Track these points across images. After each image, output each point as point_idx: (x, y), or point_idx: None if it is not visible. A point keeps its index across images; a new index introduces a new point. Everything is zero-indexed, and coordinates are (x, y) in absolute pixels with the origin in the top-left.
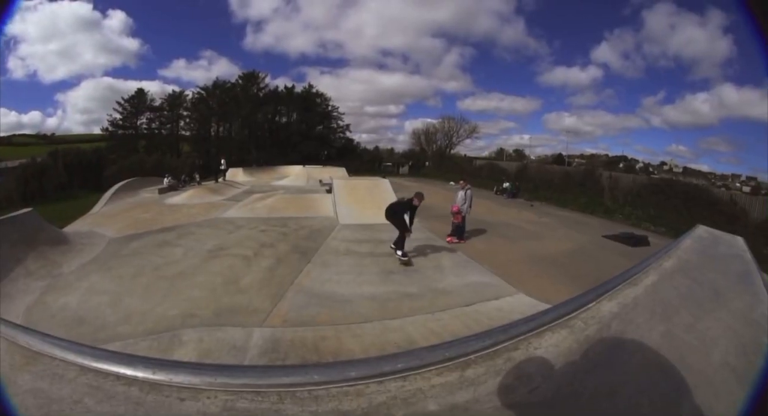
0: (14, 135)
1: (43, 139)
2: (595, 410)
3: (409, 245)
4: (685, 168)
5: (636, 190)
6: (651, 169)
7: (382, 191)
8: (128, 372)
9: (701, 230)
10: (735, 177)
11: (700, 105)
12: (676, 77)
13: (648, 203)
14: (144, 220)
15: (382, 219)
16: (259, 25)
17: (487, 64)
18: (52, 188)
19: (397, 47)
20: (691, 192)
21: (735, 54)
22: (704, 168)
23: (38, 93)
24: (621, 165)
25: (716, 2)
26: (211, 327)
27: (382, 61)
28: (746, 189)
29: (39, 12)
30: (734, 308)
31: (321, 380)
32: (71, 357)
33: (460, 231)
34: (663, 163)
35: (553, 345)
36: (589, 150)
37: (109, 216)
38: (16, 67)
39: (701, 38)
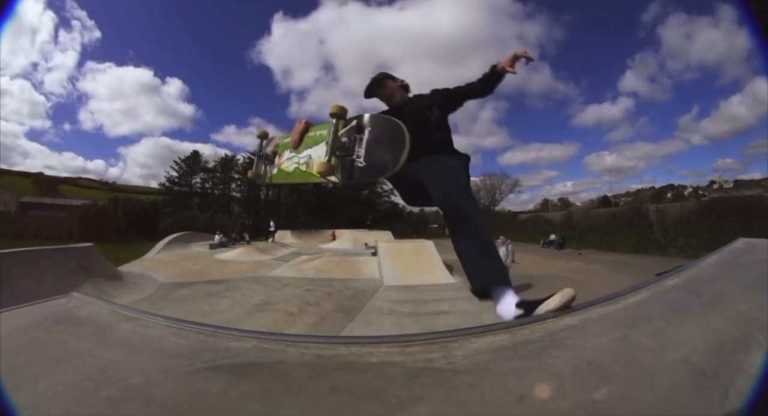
0: (79, 178)
1: (104, 186)
2: (501, 384)
3: (452, 305)
4: (736, 181)
5: (686, 218)
6: (701, 192)
7: (428, 253)
8: (198, 328)
9: (740, 242)
10: None
11: (736, 109)
12: (705, 87)
13: (702, 229)
14: (194, 271)
15: (427, 279)
16: (302, 94)
17: (521, 114)
18: (109, 230)
19: None
20: (744, 205)
21: (755, 44)
22: (757, 175)
23: (103, 144)
24: (669, 194)
25: None
26: None
27: None
28: None
29: (107, 74)
30: (733, 311)
31: (314, 340)
32: (159, 319)
33: None
34: (712, 182)
35: (488, 342)
36: (634, 186)
37: (162, 262)
38: (85, 120)
39: (719, 38)
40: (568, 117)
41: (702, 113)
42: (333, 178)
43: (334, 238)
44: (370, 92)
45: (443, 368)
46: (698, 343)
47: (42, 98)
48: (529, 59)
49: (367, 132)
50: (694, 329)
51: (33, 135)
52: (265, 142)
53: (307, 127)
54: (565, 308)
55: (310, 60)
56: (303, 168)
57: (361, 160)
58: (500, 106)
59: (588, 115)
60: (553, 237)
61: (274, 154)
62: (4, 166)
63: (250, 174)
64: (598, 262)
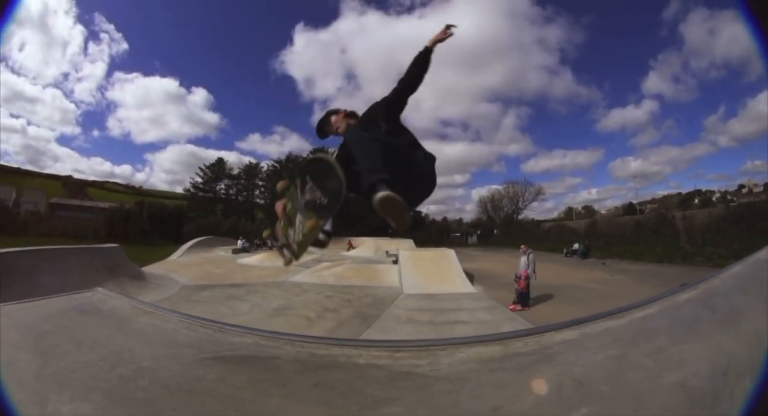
0: (107, 181)
1: (131, 190)
2: (478, 395)
3: (470, 314)
4: (766, 184)
5: (714, 225)
6: (729, 197)
7: (448, 262)
8: (207, 324)
9: (766, 251)
10: None
11: (765, 107)
12: (731, 85)
13: (730, 237)
14: (216, 274)
15: (446, 288)
16: (325, 102)
17: (544, 120)
18: (135, 232)
19: (456, 116)
20: None
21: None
22: None
23: (130, 150)
24: (696, 200)
25: None
26: None
27: (443, 131)
28: None
29: (135, 84)
30: (747, 329)
31: (307, 341)
32: (173, 315)
33: (524, 298)
34: (741, 186)
35: (477, 353)
36: (660, 192)
37: (185, 265)
38: (113, 126)
39: (743, 33)
40: (592, 122)
41: (729, 113)
42: (321, 224)
43: (350, 247)
44: (321, 133)
45: (426, 374)
46: (702, 365)
47: (72, 106)
48: (452, 25)
49: (308, 179)
50: (701, 348)
51: (63, 140)
52: (272, 240)
53: (284, 205)
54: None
55: (332, 69)
56: (305, 231)
57: (324, 199)
58: (523, 113)
59: (612, 120)
60: (576, 246)
61: (285, 237)
62: (35, 169)
63: (285, 264)
64: (621, 272)
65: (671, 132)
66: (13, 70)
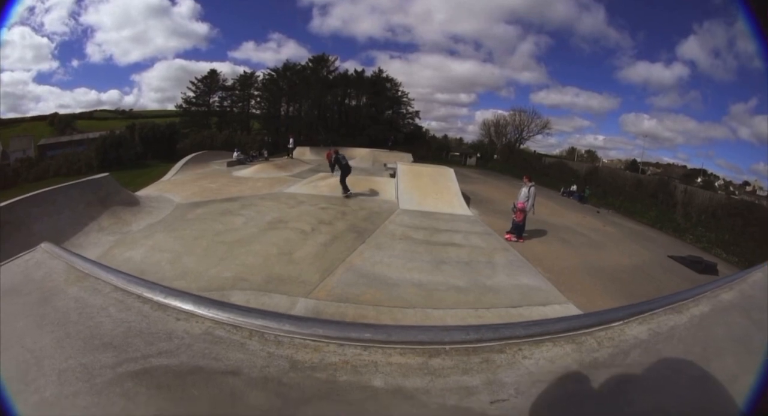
0: (95, 110)
1: (121, 114)
2: None
3: (464, 237)
4: None
5: (712, 210)
6: (731, 188)
7: (446, 180)
8: (146, 294)
9: None
10: None
11: None
12: None
13: (723, 226)
14: (210, 190)
15: (442, 207)
16: (324, 8)
17: (564, 54)
18: (128, 157)
19: (469, 33)
20: None
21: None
22: None
23: (115, 74)
24: (699, 179)
25: None
26: (259, 292)
27: (453, 47)
28: None
29: (111, 3)
30: None
31: (289, 329)
32: (110, 278)
33: (519, 230)
34: (746, 183)
35: (547, 359)
36: (666, 159)
37: (179, 183)
38: (93, 53)
39: None
40: (614, 68)
41: (759, 108)
42: None
43: (329, 159)
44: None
45: (484, 413)
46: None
47: (45, 40)
48: None
49: None
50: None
51: (41, 78)
52: None
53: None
54: None
55: None
56: None
57: None
58: (542, 42)
59: (636, 72)
60: (574, 188)
61: None
62: (17, 115)
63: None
64: (614, 225)
65: (694, 104)
66: None
